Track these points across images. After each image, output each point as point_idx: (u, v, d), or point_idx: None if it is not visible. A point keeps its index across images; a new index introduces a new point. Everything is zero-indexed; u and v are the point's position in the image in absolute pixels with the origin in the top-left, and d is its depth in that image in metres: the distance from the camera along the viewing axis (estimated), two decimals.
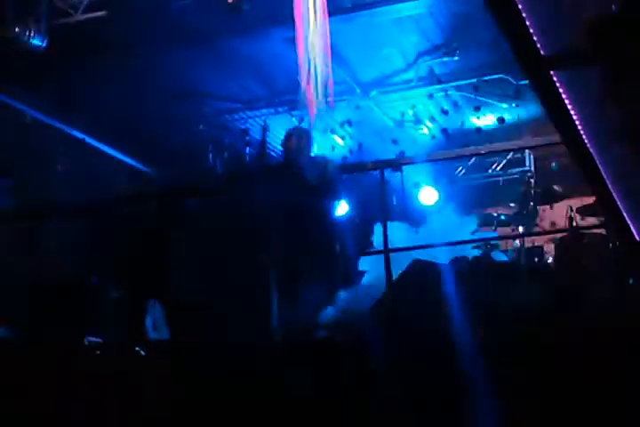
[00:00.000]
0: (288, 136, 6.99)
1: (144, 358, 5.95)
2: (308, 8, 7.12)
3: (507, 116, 10.67)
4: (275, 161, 8.06)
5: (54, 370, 5.79)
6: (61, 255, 7.76)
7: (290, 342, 5.70)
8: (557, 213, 9.19)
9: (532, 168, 10.97)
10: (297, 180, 6.66)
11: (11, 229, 7.81)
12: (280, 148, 11.50)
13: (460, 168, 12.01)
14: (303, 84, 6.53)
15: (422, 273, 6.00)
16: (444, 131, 11.21)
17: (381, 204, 6.22)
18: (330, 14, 8.54)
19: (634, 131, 3.40)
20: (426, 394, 5.19)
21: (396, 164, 6.86)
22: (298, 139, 6.81)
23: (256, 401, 5.36)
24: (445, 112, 10.90)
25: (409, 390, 5.16)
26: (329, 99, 6.53)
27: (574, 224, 7.97)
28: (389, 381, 5.16)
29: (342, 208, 7.52)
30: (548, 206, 9.35)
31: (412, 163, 7.68)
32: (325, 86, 6.47)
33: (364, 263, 7.11)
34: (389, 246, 6.12)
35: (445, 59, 9.80)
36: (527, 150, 10.95)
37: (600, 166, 3.67)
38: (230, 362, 5.60)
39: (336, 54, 9.44)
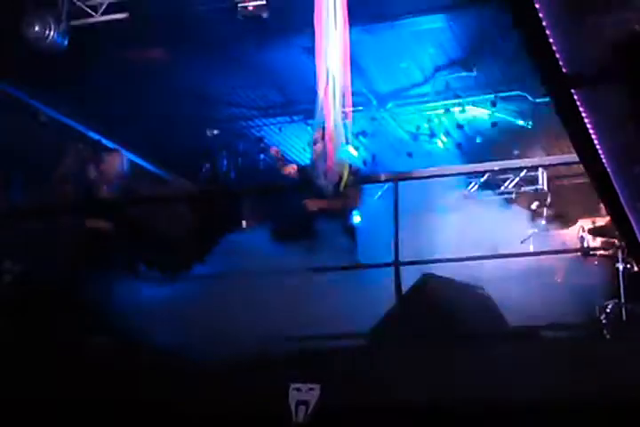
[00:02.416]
0: (316, 138, 7.01)
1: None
2: (329, 18, 7.11)
3: None
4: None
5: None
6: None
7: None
8: (569, 233, 9.14)
9: (545, 187, 10.94)
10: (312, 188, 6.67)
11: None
12: (294, 156, 11.60)
13: (473, 184, 11.98)
14: (320, 93, 6.51)
15: (433, 288, 5.94)
16: (459, 145, 11.21)
17: (395, 216, 6.19)
18: (350, 25, 8.56)
19: None
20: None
21: (410, 177, 6.82)
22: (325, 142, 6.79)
23: None
24: (460, 127, 10.90)
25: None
26: (345, 109, 6.51)
27: (585, 244, 7.94)
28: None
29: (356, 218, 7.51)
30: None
31: (426, 177, 7.64)
32: (342, 97, 6.45)
33: None
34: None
35: (463, 73, 9.80)
36: (540, 169, 10.93)
37: (617, 187, 3.65)
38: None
39: (354, 65, 9.44)
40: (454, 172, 7.14)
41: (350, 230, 7.17)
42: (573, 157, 4.25)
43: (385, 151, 11.33)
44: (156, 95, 9.29)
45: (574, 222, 8.91)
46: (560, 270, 7.62)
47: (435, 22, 8.85)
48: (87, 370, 5.89)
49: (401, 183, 6.44)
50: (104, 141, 10.03)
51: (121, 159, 7.94)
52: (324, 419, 5.26)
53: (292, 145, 11.50)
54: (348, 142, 11.03)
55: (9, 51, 8.24)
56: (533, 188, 11.08)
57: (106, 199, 7.75)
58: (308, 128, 10.45)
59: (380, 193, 8.68)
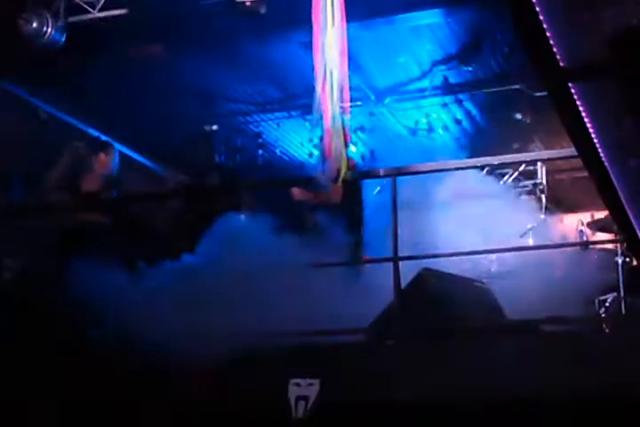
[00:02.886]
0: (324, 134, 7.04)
1: None
2: (326, 13, 7.12)
3: None
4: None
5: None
6: None
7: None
8: (568, 227, 9.16)
9: (544, 181, 10.92)
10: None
11: None
12: (292, 151, 11.61)
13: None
14: (318, 88, 6.52)
15: (431, 283, 5.94)
16: (457, 140, 11.21)
17: (393, 212, 6.19)
18: (347, 20, 8.56)
19: None
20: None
21: (409, 172, 6.82)
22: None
23: None
24: (458, 121, 10.91)
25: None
26: (344, 104, 6.51)
27: (585, 238, 7.96)
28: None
29: None
30: (559, 219, 9.31)
31: (424, 172, 7.65)
32: (341, 92, 6.46)
33: None
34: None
35: (461, 68, 9.80)
36: (539, 163, 10.91)
37: (615, 180, 3.66)
38: None
39: (351, 60, 9.45)
40: (453, 166, 7.14)
41: (358, 224, 7.20)
42: (572, 150, 4.27)
43: (383, 146, 11.32)
44: (155, 91, 9.27)
45: (573, 216, 8.94)
46: (559, 264, 7.65)
47: (432, 17, 8.84)
48: (85, 367, 5.90)
49: (400, 178, 6.45)
50: (102, 138, 10.03)
51: (113, 154, 7.95)
52: (323, 414, 5.27)
53: (291, 140, 11.49)
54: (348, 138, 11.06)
55: (8, 48, 8.24)
56: (532, 182, 11.04)
57: (104, 198, 7.76)
58: (307, 124, 10.45)
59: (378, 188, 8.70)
